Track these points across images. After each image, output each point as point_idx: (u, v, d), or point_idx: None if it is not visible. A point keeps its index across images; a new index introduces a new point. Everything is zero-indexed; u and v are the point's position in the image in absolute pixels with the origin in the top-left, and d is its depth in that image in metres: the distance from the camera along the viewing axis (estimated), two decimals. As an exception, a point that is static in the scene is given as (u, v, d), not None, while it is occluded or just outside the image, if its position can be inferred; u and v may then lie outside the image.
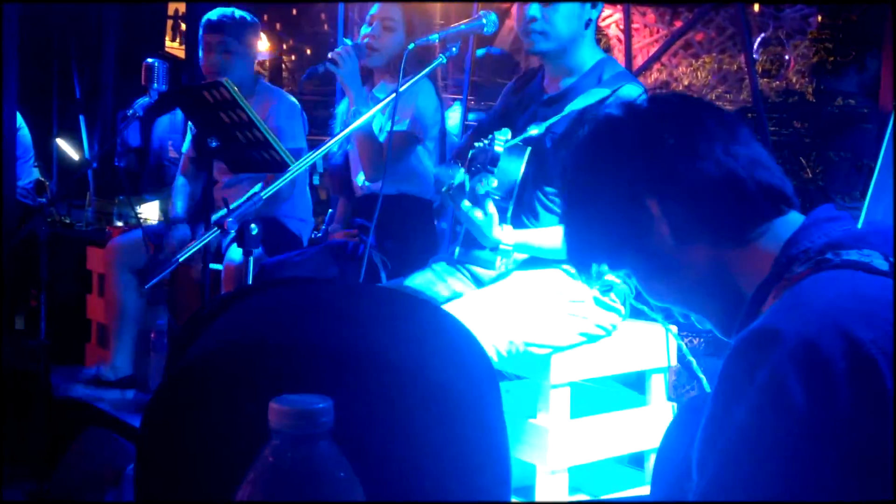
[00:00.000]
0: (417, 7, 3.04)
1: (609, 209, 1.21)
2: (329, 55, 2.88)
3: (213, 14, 3.59)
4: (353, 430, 0.71)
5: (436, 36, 2.50)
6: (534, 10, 2.43)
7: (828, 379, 0.92)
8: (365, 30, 3.05)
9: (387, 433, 0.72)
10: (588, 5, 2.46)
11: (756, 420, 0.94)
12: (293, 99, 3.63)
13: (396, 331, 0.78)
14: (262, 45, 7.16)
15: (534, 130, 2.43)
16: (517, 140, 2.40)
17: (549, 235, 2.42)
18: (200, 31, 3.59)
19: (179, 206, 3.66)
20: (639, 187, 1.18)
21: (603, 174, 1.22)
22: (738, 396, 0.97)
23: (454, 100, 4.74)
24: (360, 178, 3.14)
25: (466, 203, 2.27)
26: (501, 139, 2.25)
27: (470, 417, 0.74)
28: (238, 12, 3.61)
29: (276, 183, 2.17)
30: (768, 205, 1.16)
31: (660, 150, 1.17)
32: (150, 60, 3.12)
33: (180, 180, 3.77)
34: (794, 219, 1.17)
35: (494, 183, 2.20)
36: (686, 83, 7.80)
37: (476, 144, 2.27)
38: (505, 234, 2.33)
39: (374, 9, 3.05)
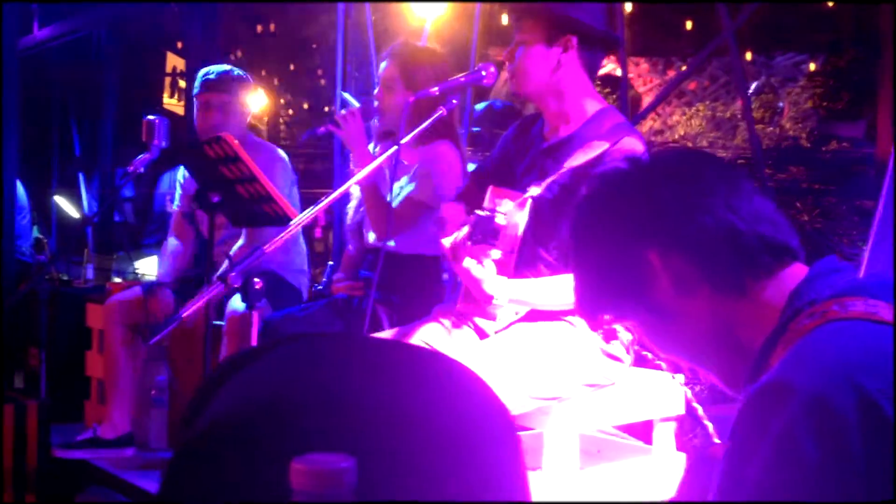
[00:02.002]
0: (413, 63, 3.05)
1: (612, 261, 1.23)
2: (334, 116, 2.91)
3: (211, 72, 3.59)
4: (374, 487, 0.70)
5: (436, 88, 2.52)
6: (510, 53, 2.50)
7: (841, 433, 0.91)
8: (375, 91, 3.10)
9: (408, 489, 0.71)
10: (556, 49, 2.47)
11: (770, 476, 0.94)
12: (280, 151, 3.64)
13: (414, 385, 0.77)
14: (261, 100, 7.24)
15: (534, 190, 2.42)
16: (519, 200, 2.40)
17: (546, 287, 2.41)
18: (196, 90, 3.59)
19: (165, 269, 3.62)
20: (640, 240, 1.20)
21: (606, 227, 1.24)
22: (752, 452, 0.96)
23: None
24: (370, 236, 3.13)
25: (469, 260, 2.28)
26: (502, 212, 2.26)
27: (491, 469, 0.74)
28: (234, 70, 3.61)
29: (281, 235, 2.17)
30: (769, 258, 1.16)
31: (661, 205, 1.19)
32: (150, 117, 3.13)
33: (171, 241, 3.74)
34: (798, 271, 1.17)
35: (498, 255, 2.22)
36: (682, 132, 7.88)
37: (477, 212, 2.27)
38: (501, 287, 2.33)
39: (380, 69, 3.09)
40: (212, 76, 3.56)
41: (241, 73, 3.63)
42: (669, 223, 1.18)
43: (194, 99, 3.62)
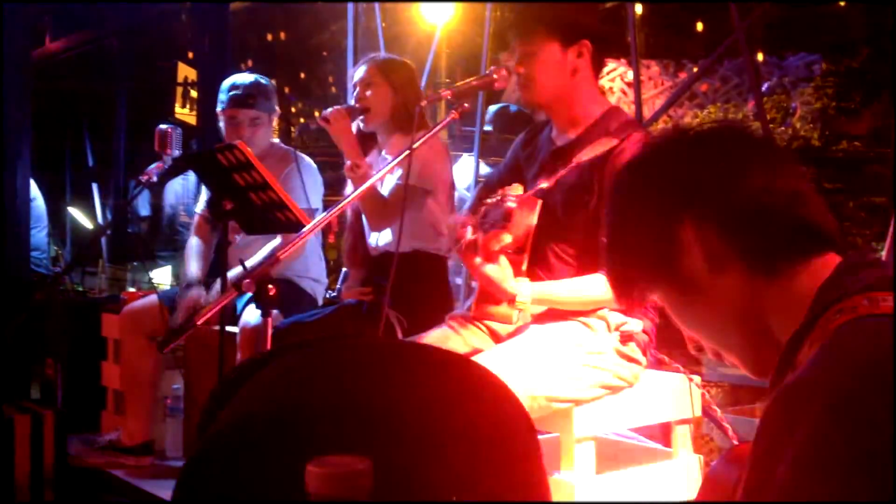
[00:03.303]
0: (390, 65, 3.12)
1: (645, 229, 1.20)
2: (322, 114, 2.94)
3: (237, 87, 3.48)
4: (390, 490, 0.69)
5: (448, 92, 2.51)
6: (517, 63, 2.48)
7: (871, 433, 0.89)
8: (353, 99, 3.13)
9: (426, 492, 0.70)
10: (570, 55, 2.47)
11: (798, 476, 0.92)
12: (309, 159, 3.62)
13: (434, 387, 0.76)
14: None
15: (544, 184, 2.42)
16: (528, 193, 2.40)
17: (565, 286, 2.40)
18: (223, 104, 3.48)
19: (193, 267, 3.57)
20: (675, 209, 1.17)
21: (646, 192, 1.21)
22: (780, 451, 0.94)
23: (458, 155, 4.78)
24: (372, 239, 3.14)
25: (478, 259, 2.27)
26: (513, 195, 2.24)
27: (510, 472, 0.73)
28: (260, 79, 3.51)
29: (293, 242, 2.17)
30: (804, 241, 1.15)
31: (703, 174, 1.17)
32: (163, 126, 3.14)
33: (194, 241, 3.72)
34: (832, 261, 1.15)
35: (509, 239, 2.19)
36: (693, 133, 7.86)
37: (488, 201, 2.26)
38: (520, 287, 2.32)
39: (356, 76, 3.12)
40: (239, 92, 3.46)
41: (265, 81, 3.53)
42: (707, 195, 1.15)
43: (221, 112, 3.50)
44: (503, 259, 2.27)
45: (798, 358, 1.07)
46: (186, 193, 5.91)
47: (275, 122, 3.64)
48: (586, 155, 2.39)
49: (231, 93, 3.48)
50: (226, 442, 0.73)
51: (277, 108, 3.61)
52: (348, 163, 2.91)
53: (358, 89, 3.11)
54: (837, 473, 0.89)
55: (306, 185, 3.38)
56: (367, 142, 3.16)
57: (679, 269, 1.18)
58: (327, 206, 2.45)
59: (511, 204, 2.22)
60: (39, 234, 5.32)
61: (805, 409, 0.92)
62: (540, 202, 2.42)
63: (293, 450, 0.71)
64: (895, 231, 2.53)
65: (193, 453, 0.73)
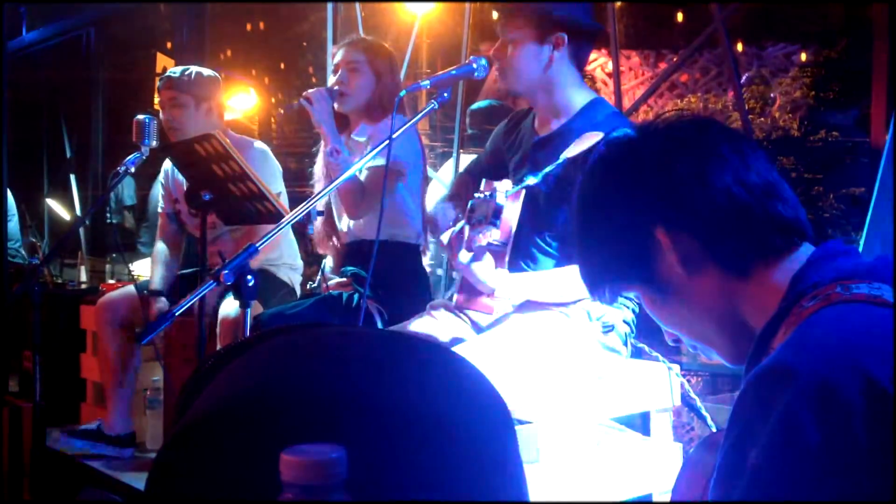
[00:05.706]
0: (375, 49, 3.10)
1: (619, 234, 1.20)
2: (304, 94, 2.91)
3: (174, 71, 3.58)
4: (367, 479, 0.69)
5: (427, 82, 2.50)
6: (494, 50, 2.51)
7: (844, 417, 0.90)
8: (333, 78, 3.09)
9: (402, 481, 0.70)
10: (547, 46, 2.47)
11: (771, 461, 0.92)
12: (262, 145, 3.60)
13: (408, 375, 0.76)
14: (252, 99, 7.22)
15: (531, 180, 2.42)
16: (516, 189, 2.40)
17: (547, 278, 2.41)
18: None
19: (157, 277, 3.57)
20: (648, 214, 1.17)
21: (614, 199, 1.21)
22: (753, 436, 0.95)
23: (447, 151, 4.76)
24: (342, 223, 3.12)
25: (465, 253, 2.27)
26: (503, 191, 2.25)
27: (489, 461, 0.72)
28: (194, 69, 3.56)
29: (272, 232, 2.16)
30: (778, 237, 1.15)
31: (670, 178, 1.16)
32: (140, 117, 3.12)
33: (159, 246, 3.70)
34: (805, 252, 1.15)
35: (497, 235, 2.20)
36: (673, 123, 7.86)
37: (476, 195, 2.26)
38: (501, 279, 2.32)
39: (339, 56, 3.09)
40: (171, 75, 3.54)
41: (202, 71, 3.55)
42: (679, 199, 1.15)
43: None
44: (486, 253, 2.28)
45: (772, 345, 1.08)
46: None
47: (216, 116, 3.57)
48: (573, 150, 2.38)
49: (166, 74, 3.59)
50: (198, 431, 0.72)
51: (215, 101, 3.56)
52: (328, 147, 2.89)
53: (340, 71, 3.07)
54: (809, 457, 0.90)
55: (264, 171, 3.35)
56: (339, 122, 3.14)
57: (654, 272, 1.18)
58: (306, 196, 2.43)
59: (501, 200, 2.22)
60: (9, 222, 5.27)
61: (778, 392, 0.93)
62: (524, 193, 2.42)
63: (267, 439, 0.70)
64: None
65: (167, 441, 0.73)
